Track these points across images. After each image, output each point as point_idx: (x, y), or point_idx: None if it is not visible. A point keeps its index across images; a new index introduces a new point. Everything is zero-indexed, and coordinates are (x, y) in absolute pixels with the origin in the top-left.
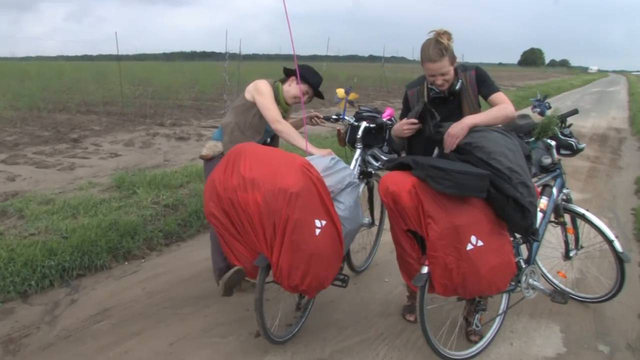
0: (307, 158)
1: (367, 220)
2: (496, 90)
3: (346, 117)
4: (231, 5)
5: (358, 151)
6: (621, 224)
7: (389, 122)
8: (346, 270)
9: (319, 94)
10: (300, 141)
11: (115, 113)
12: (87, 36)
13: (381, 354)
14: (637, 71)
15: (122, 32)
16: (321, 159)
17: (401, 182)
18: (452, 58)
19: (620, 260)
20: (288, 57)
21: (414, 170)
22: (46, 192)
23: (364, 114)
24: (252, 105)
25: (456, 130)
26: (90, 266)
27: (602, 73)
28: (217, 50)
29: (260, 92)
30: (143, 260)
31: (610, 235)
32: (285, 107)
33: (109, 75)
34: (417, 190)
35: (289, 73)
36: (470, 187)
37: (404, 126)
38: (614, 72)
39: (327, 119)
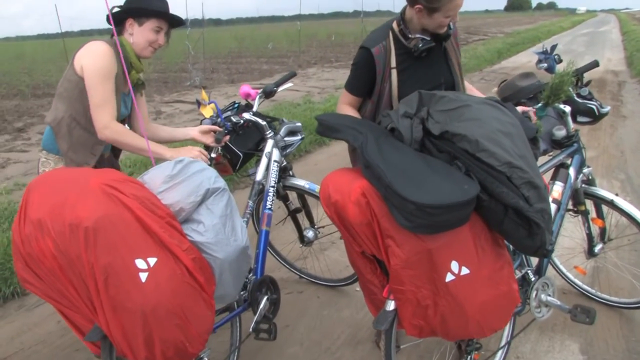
0: (149, 171)
1: (310, 233)
2: None
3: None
4: None
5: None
6: (635, 186)
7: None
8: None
9: (173, 21)
10: (141, 143)
11: None
12: (66, 12)
13: None
14: (626, 9)
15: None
16: (160, 168)
17: (346, 188)
18: None
19: None
20: (265, 19)
21: (368, 178)
22: None
23: (229, 116)
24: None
25: None
26: None
27: (591, 13)
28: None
29: (92, 61)
30: None
31: None
32: (139, 68)
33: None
34: (368, 199)
35: (118, 16)
36: (452, 222)
37: None
38: (603, 11)
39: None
